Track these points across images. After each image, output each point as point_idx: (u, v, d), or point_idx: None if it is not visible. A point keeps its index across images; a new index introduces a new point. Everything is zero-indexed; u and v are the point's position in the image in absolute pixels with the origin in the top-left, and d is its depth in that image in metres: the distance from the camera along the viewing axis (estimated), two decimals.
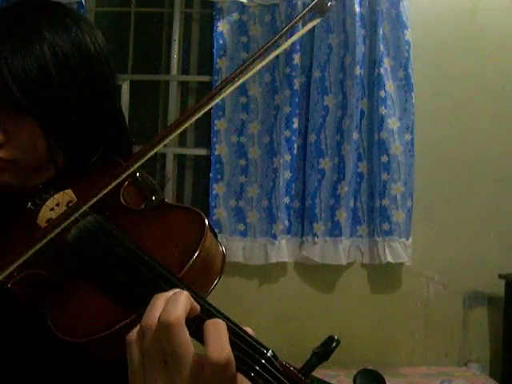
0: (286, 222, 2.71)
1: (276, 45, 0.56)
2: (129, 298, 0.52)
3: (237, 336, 0.48)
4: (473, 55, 2.78)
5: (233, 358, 0.46)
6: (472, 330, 2.80)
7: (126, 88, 2.88)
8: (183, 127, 0.64)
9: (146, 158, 0.62)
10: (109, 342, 0.53)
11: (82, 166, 0.73)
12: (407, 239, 2.69)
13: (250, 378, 0.46)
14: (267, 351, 0.47)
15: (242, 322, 0.51)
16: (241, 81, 0.61)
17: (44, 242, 0.58)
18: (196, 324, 0.47)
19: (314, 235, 2.68)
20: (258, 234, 2.72)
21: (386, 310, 2.78)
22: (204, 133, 2.91)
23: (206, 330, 0.46)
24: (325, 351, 0.48)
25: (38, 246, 0.58)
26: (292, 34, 0.57)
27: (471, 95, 2.78)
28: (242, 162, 2.75)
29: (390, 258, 2.66)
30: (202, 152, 2.91)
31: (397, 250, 2.67)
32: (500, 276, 2.64)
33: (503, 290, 2.62)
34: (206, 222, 0.60)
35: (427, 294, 2.80)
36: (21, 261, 0.57)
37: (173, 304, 0.48)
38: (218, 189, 2.75)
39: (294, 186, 2.72)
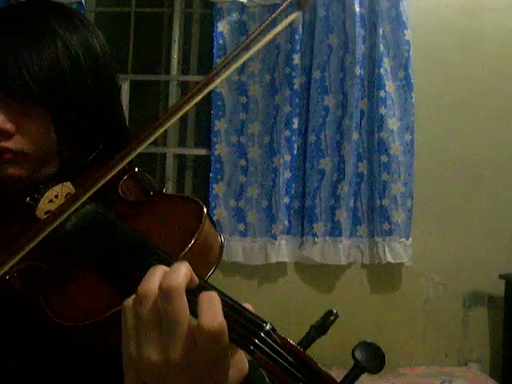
0: (286, 222, 2.70)
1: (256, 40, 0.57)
2: (126, 282, 0.53)
3: (234, 310, 0.48)
4: (473, 55, 2.78)
5: (226, 328, 0.46)
6: (472, 329, 2.80)
7: (125, 88, 2.88)
8: (181, 113, 0.65)
9: (143, 147, 0.62)
10: (105, 326, 0.53)
11: (82, 162, 0.74)
12: (407, 239, 2.69)
13: (248, 351, 0.46)
14: (266, 324, 0.47)
15: None
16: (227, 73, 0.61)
17: (46, 232, 0.59)
18: (190, 299, 0.47)
19: (314, 235, 2.68)
20: (257, 234, 2.72)
21: (386, 310, 2.78)
22: (204, 133, 2.91)
23: (199, 301, 0.46)
24: (323, 325, 0.48)
25: (40, 237, 0.59)
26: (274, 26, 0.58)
27: (471, 95, 2.78)
28: (242, 162, 2.74)
29: (390, 258, 2.66)
30: (202, 152, 2.91)
31: (397, 250, 2.67)
32: (500, 276, 2.64)
33: (503, 290, 2.62)
34: (204, 210, 0.61)
35: (427, 294, 2.80)
36: (24, 253, 0.58)
37: (174, 272, 0.48)
38: (217, 189, 2.75)
39: (293, 186, 2.72)
